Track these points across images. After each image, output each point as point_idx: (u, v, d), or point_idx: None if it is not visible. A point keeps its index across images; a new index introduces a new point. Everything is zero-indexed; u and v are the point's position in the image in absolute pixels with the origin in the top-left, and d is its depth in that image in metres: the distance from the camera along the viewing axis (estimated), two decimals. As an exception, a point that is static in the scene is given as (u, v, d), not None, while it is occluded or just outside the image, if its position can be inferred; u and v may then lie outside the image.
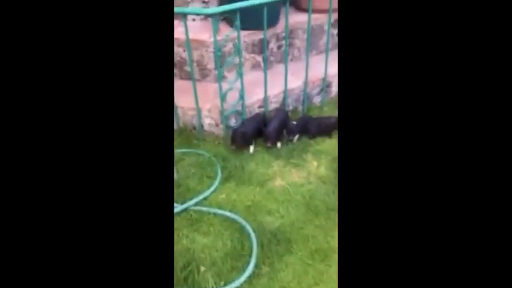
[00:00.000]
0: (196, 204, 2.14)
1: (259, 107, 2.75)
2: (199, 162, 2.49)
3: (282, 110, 2.76)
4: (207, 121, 2.68)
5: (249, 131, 2.51)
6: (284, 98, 2.82)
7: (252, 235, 1.91)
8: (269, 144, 2.53)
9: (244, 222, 2.00)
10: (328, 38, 2.83)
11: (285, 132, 2.64)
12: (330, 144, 2.61)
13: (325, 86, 2.97)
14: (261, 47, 2.98)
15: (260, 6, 2.25)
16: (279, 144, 2.58)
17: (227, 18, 2.60)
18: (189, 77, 2.64)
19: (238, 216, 2.04)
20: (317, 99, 3.04)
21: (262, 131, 2.57)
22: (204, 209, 2.11)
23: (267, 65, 2.59)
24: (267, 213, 2.09)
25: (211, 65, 2.84)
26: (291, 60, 3.09)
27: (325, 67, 2.85)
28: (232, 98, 2.55)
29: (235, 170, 2.39)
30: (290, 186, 2.25)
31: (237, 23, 2.25)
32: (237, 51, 2.37)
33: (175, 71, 2.93)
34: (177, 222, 2.04)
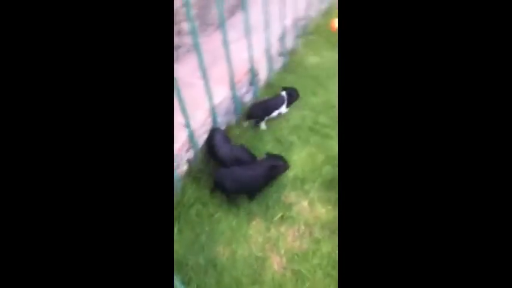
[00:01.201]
0: None
1: (187, 150, 1.74)
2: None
3: (214, 129, 1.82)
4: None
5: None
6: (213, 120, 1.85)
7: None
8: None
9: None
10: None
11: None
12: (312, 162, 1.84)
13: (254, 76, 2.09)
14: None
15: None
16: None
17: None
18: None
19: None
20: (248, 97, 2.15)
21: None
22: None
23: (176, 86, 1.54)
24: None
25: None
26: (187, 52, 2.05)
27: (248, 48, 1.94)
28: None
29: (204, 274, 1.45)
30: (298, 263, 1.46)
31: None
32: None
33: None
34: None
